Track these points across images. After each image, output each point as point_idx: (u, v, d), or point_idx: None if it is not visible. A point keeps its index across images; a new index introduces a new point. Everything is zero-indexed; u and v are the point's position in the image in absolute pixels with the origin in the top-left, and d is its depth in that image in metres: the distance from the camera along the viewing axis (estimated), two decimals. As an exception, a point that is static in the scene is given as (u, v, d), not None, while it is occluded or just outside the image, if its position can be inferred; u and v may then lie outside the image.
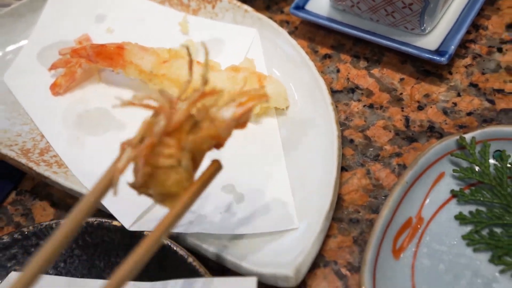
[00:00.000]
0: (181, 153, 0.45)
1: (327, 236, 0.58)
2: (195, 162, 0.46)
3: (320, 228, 0.55)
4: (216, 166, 0.48)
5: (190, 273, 0.53)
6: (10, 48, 0.76)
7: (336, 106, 0.66)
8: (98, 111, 0.70)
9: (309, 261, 0.54)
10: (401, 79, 0.68)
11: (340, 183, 0.61)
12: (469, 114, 0.64)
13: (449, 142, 0.58)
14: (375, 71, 0.69)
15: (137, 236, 0.56)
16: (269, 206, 0.59)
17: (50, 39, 0.75)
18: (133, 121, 0.67)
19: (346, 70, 0.70)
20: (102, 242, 0.57)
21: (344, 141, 0.64)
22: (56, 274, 0.57)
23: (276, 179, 0.61)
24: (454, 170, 0.58)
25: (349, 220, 0.59)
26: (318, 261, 0.57)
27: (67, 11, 0.77)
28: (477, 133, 0.58)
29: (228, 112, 0.46)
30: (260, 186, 0.60)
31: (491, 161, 0.58)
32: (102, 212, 0.59)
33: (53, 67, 0.72)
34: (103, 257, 0.57)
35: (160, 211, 0.58)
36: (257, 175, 0.61)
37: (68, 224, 0.42)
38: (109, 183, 0.44)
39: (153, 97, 0.44)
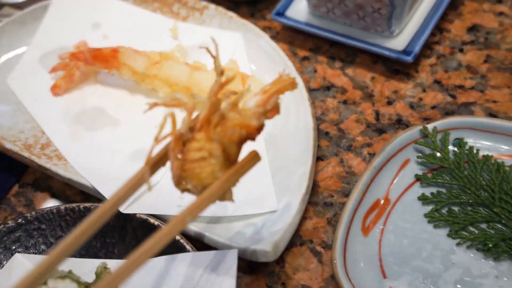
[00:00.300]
0: (211, 144, 0.46)
1: (304, 218, 0.64)
2: (229, 154, 0.47)
3: (297, 210, 0.61)
4: (252, 156, 0.48)
5: (178, 250, 0.58)
6: (13, 53, 0.82)
7: (313, 103, 0.73)
8: (94, 109, 0.75)
9: (286, 238, 0.60)
10: (373, 78, 0.74)
11: (316, 171, 0.67)
12: (433, 107, 0.70)
13: (414, 131, 0.64)
14: (349, 71, 0.75)
15: (131, 219, 0.62)
16: (251, 191, 0.64)
17: (50, 45, 0.81)
18: (127, 118, 0.74)
19: (323, 70, 0.76)
20: (99, 225, 0.63)
21: (320, 134, 0.70)
22: (56, 255, 0.63)
23: (258, 167, 0.66)
24: (418, 157, 0.64)
25: (324, 204, 0.65)
26: (296, 240, 0.62)
27: (66, 19, 0.83)
28: (438, 123, 0.64)
29: (252, 101, 0.47)
30: (243, 173, 0.66)
31: (451, 147, 0.64)
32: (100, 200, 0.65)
33: (53, 70, 0.78)
34: (99, 238, 0.63)
35: (153, 195, 0.64)
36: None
37: (96, 215, 0.46)
38: (139, 179, 0.48)
39: (178, 98, 0.48)
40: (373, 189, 0.62)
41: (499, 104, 0.68)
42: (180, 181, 0.47)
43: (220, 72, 0.47)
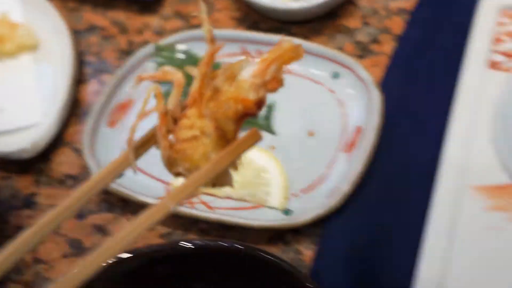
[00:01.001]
0: (202, 121, 0.41)
1: (68, 126, 0.77)
2: (225, 132, 0.41)
3: (55, 118, 0.75)
4: (251, 134, 0.42)
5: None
6: None
7: (79, 41, 0.87)
8: None
9: (44, 138, 0.73)
10: (128, 17, 0.90)
11: (80, 90, 0.81)
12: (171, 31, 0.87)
13: (149, 47, 0.80)
14: (110, 14, 0.90)
15: None
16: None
17: None
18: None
19: (88, 16, 0.91)
20: None
21: (82, 63, 0.84)
22: None
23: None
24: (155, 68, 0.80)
25: (83, 114, 0.79)
26: (59, 143, 0.76)
27: None
28: (166, 40, 0.81)
29: (247, 71, 0.41)
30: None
31: (180, 55, 0.81)
32: None
33: None
34: None
35: None
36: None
37: (73, 198, 0.41)
38: (123, 162, 0.43)
39: (166, 70, 0.43)
40: (118, 93, 0.77)
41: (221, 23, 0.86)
42: (172, 164, 0.42)
43: (211, 39, 0.41)
